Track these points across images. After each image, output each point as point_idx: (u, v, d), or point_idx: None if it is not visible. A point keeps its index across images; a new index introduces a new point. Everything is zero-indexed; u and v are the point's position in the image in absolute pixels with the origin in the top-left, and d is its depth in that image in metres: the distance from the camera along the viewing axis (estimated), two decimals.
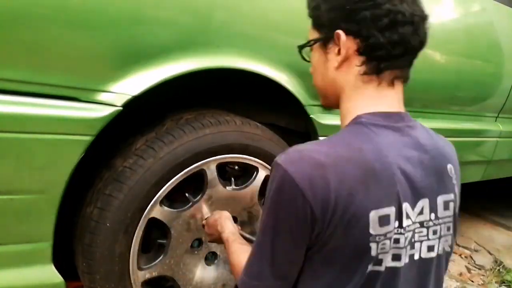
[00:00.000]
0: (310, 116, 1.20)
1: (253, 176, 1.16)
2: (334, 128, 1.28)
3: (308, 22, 0.73)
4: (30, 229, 0.86)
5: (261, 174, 1.17)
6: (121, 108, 0.86)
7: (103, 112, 0.84)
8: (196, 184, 1.07)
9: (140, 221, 0.97)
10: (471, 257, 2.22)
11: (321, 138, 1.25)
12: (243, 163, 1.13)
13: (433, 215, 0.67)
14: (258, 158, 1.14)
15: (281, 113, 1.29)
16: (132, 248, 0.99)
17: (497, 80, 1.78)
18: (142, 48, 0.86)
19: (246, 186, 1.15)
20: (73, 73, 0.81)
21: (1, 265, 0.85)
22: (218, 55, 0.97)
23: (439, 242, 0.68)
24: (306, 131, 1.28)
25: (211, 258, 1.19)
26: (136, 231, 0.98)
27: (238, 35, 0.99)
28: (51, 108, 0.79)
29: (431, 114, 1.63)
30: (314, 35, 0.73)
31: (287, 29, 1.07)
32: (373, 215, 0.60)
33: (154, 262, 1.05)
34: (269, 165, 1.16)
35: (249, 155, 1.12)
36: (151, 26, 0.86)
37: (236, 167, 1.16)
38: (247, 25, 1.00)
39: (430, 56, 1.45)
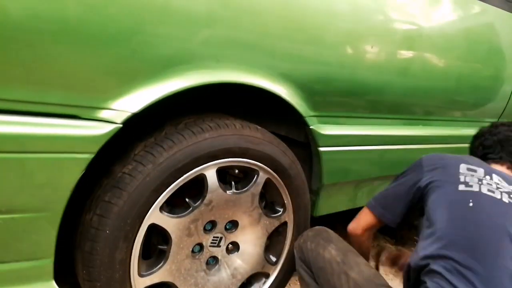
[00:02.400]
0: (310, 127, 1.21)
1: (254, 180, 1.15)
2: (333, 138, 1.28)
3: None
4: (31, 246, 0.85)
5: (262, 177, 1.16)
6: (121, 125, 0.85)
7: (103, 129, 0.84)
8: (196, 189, 1.06)
9: (140, 228, 0.96)
10: None
11: (321, 149, 1.25)
12: (243, 166, 1.12)
13: None
14: (259, 161, 1.13)
15: (281, 123, 1.29)
16: (132, 255, 0.98)
17: (498, 85, 1.77)
18: (141, 65, 0.86)
19: (247, 190, 1.14)
20: (73, 91, 0.80)
21: (2, 283, 0.84)
22: (218, 70, 0.96)
23: None
24: (306, 141, 1.28)
25: (212, 262, 1.19)
26: (136, 237, 0.97)
27: (238, 49, 0.99)
28: (51, 127, 0.79)
29: (431, 121, 1.64)
30: None
31: (287, 43, 1.06)
32: (463, 166, 1.04)
33: (155, 269, 1.04)
34: (270, 168, 1.16)
35: (249, 159, 1.11)
36: (150, 42, 0.85)
37: (236, 171, 1.15)
38: (247, 39, 0.99)
39: (430, 63, 1.44)
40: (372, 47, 1.24)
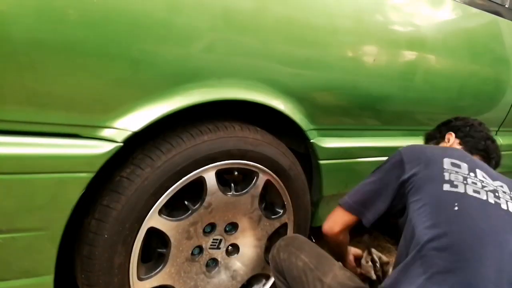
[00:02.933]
0: (311, 141, 1.20)
1: (254, 181, 1.14)
2: (334, 151, 1.28)
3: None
4: (32, 264, 0.85)
5: (262, 178, 1.15)
6: (121, 144, 0.85)
7: (104, 148, 0.84)
8: (195, 192, 1.05)
9: (139, 232, 0.95)
10: None
11: (321, 161, 1.25)
12: (243, 168, 1.11)
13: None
14: (258, 163, 1.12)
15: (281, 134, 1.28)
16: (131, 259, 0.97)
17: (500, 95, 1.75)
18: (142, 84, 0.85)
19: (247, 192, 1.13)
20: (75, 111, 0.80)
21: None
22: (219, 87, 0.96)
23: None
24: (306, 151, 1.27)
25: (212, 264, 1.18)
26: (135, 241, 0.96)
27: (240, 66, 0.98)
28: (52, 147, 0.79)
29: None
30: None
31: (289, 59, 1.05)
32: (446, 160, 0.99)
33: (155, 272, 1.03)
34: (270, 170, 1.15)
35: (249, 160, 1.10)
36: (151, 62, 0.84)
37: (236, 173, 1.14)
38: (249, 57, 0.98)
39: (433, 75, 1.43)
40: (374, 60, 1.22)
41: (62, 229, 0.85)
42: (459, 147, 1.22)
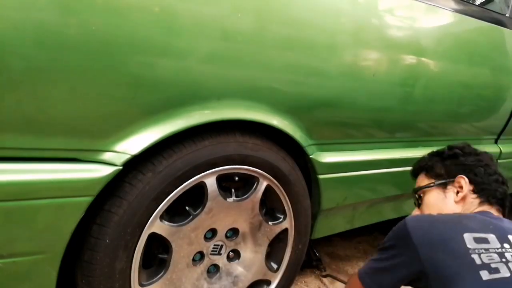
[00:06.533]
0: (310, 156, 1.21)
1: (254, 187, 1.14)
2: (333, 166, 1.29)
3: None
4: (33, 287, 0.86)
5: (262, 184, 1.15)
6: (120, 167, 0.86)
7: (103, 172, 0.84)
8: (196, 197, 1.06)
9: (141, 237, 0.96)
10: None
11: (320, 176, 1.26)
12: (243, 173, 1.11)
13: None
14: (259, 168, 1.12)
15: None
16: (132, 264, 0.97)
17: (499, 104, 1.76)
18: (141, 107, 0.86)
19: (247, 197, 1.14)
20: (74, 136, 0.81)
21: None
22: (219, 108, 0.97)
23: None
24: (304, 165, 1.28)
25: (213, 270, 1.18)
26: (137, 247, 0.96)
27: (239, 86, 0.99)
28: (51, 172, 0.80)
29: (431, 142, 1.61)
30: (427, 181, 1.13)
31: (286, 78, 1.07)
32: (467, 236, 0.81)
33: (156, 278, 1.03)
34: (270, 175, 1.15)
35: (249, 165, 1.10)
36: (150, 85, 0.85)
37: (236, 178, 1.15)
38: (248, 77, 1.00)
39: (432, 88, 1.44)
40: (374, 75, 1.24)
41: (62, 252, 0.85)
42: (473, 196, 1.03)
